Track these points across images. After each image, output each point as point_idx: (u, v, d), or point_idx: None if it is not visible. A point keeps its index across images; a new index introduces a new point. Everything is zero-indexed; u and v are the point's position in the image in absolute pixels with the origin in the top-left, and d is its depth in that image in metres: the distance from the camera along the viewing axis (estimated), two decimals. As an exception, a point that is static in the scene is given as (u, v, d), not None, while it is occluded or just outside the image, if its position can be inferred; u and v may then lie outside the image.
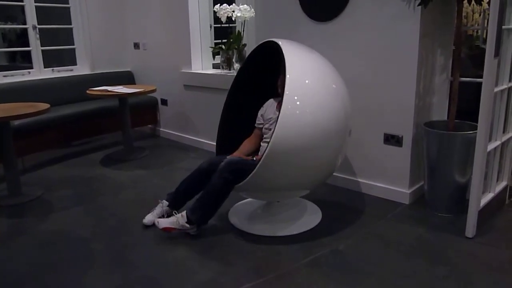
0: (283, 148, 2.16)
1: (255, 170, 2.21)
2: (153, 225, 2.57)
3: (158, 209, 2.62)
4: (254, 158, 2.51)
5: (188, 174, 2.63)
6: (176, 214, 2.47)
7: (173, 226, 2.42)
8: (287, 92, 2.16)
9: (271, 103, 2.65)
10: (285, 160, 2.20)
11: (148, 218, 2.61)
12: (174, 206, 2.63)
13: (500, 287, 1.95)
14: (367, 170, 3.04)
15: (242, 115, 2.77)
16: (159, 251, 2.36)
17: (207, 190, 2.39)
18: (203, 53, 4.34)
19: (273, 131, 2.16)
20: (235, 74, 2.82)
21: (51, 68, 4.59)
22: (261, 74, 2.71)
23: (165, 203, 2.63)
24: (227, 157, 2.47)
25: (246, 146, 2.67)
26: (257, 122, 2.69)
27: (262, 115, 2.66)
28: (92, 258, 2.29)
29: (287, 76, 2.18)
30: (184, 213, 2.41)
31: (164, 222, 2.45)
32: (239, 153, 2.61)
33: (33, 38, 4.38)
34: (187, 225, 2.39)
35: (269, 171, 2.23)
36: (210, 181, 2.38)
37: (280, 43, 2.32)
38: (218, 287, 2.00)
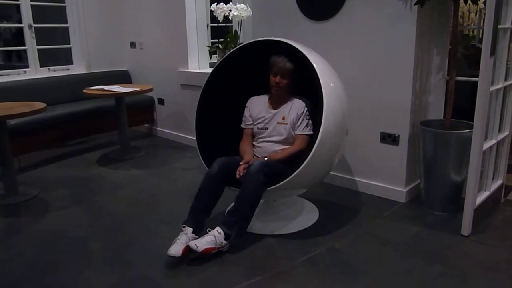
0: (322, 151, 2.22)
1: (296, 173, 2.20)
2: (189, 251, 2.20)
3: (182, 238, 2.23)
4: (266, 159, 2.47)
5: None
6: (209, 231, 2.23)
7: (212, 246, 2.18)
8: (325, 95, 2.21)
9: (256, 101, 2.61)
10: (320, 161, 2.27)
11: (175, 249, 2.17)
12: (200, 229, 2.32)
13: (494, 285, 1.96)
14: (364, 169, 3.05)
15: (219, 114, 2.73)
16: (156, 250, 2.35)
17: (242, 199, 2.25)
18: (200, 52, 4.34)
19: (320, 134, 2.17)
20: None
21: (47, 68, 4.58)
22: (239, 73, 2.69)
23: (189, 230, 2.27)
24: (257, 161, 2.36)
25: (249, 149, 2.55)
26: (245, 123, 2.62)
27: (250, 115, 2.59)
28: (89, 258, 2.29)
29: (322, 80, 2.23)
30: (219, 229, 2.21)
31: (203, 244, 2.16)
32: (250, 157, 2.48)
33: (29, 37, 4.36)
34: (225, 242, 2.21)
35: (305, 173, 2.24)
36: (243, 189, 2.26)
37: (296, 45, 2.36)
38: (215, 286, 2.00)
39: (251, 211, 2.28)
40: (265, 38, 2.55)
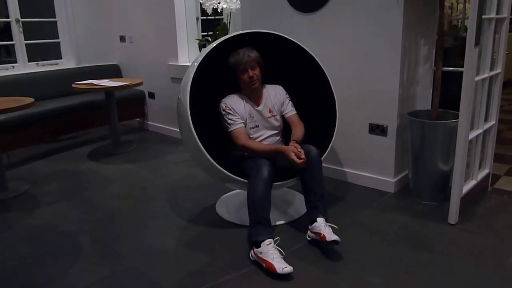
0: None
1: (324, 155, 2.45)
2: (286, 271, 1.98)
3: (275, 252, 2.04)
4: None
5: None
6: (322, 225, 2.17)
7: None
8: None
9: (235, 101, 2.43)
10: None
11: (287, 265, 1.97)
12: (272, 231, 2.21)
13: (480, 272, 1.99)
14: (353, 159, 3.07)
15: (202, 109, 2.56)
16: (146, 243, 2.36)
17: (319, 183, 2.27)
18: (190, 45, 4.32)
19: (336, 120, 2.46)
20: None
21: (36, 62, 4.54)
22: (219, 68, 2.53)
23: (272, 241, 2.10)
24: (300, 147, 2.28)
25: (262, 143, 2.46)
26: (237, 122, 2.38)
27: (240, 115, 2.40)
28: (79, 251, 2.29)
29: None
30: (321, 219, 2.20)
31: (334, 235, 2.11)
32: (279, 147, 2.39)
33: (17, 32, 4.32)
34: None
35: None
36: (314, 174, 2.26)
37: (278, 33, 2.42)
38: (205, 278, 2.02)
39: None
40: (238, 32, 2.52)
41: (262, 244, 2.06)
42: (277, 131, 2.53)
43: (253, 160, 2.28)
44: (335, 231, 2.17)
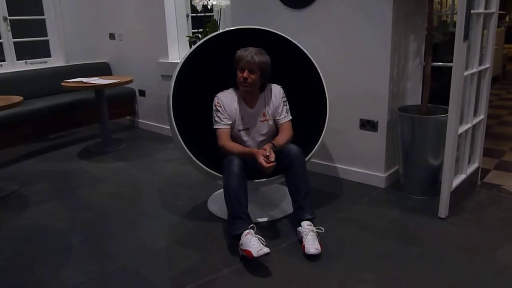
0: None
1: (314, 150, 2.46)
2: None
3: (254, 240, 2.03)
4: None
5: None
6: (304, 232, 2.16)
7: (318, 239, 2.16)
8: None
9: (229, 99, 2.38)
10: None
11: (263, 247, 2.01)
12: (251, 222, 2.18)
13: (469, 265, 2.01)
14: (344, 155, 3.08)
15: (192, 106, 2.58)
16: (138, 242, 2.35)
17: (303, 181, 2.23)
18: (180, 42, 4.30)
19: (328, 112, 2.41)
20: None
21: (24, 61, 4.49)
22: (212, 65, 2.54)
23: (252, 231, 2.10)
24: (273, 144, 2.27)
25: (240, 145, 2.40)
26: (224, 122, 2.36)
27: (229, 115, 2.38)
28: (69, 251, 2.27)
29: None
30: (308, 222, 2.19)
31: (316, 245, 2.10)
32: (252, 150, 2.34)
33: (4, 30, 4.27)
34: (316, 228, 2.20)
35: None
36: (297, 172, 2.23)
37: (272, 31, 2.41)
38: (197, 275, 2.01)
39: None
40: (231, 28, 2.53)
41: (241, 236, 2.08)
42: (268, 136, 2.47)
43: (227, 157, 2.28)
44: (319, 236, 2.17)
